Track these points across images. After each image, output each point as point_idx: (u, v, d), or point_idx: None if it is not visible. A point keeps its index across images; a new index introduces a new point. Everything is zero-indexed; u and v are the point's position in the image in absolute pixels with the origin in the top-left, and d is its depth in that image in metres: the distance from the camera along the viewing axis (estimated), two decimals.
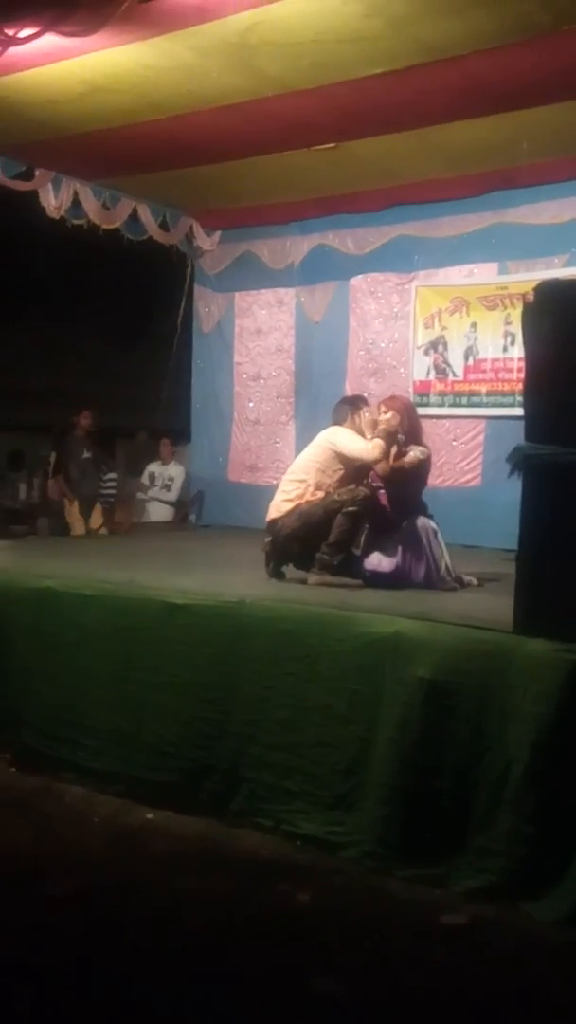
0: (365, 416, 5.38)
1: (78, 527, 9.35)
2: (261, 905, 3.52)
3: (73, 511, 9.42)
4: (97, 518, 9.65)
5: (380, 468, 5.28)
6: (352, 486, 5.20)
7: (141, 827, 4.24)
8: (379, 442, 5.22)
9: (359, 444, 5.26)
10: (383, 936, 3.34)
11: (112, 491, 9.95)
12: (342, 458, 5.29)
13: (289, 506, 5.28)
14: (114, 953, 3.15)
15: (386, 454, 5.24)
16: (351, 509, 5.12)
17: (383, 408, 5.45)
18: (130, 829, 4.21)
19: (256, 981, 3.00)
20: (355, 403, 5.57)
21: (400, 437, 5.38)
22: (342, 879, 3.75)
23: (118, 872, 3.78)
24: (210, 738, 4.38)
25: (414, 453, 5.36)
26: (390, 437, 5.29)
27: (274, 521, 5.32)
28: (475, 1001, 2.97)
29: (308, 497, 5.25)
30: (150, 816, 4.32)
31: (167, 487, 9.90)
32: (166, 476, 9.94)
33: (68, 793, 4.60)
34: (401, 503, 5.34)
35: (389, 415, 5.38)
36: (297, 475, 5.38)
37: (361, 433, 5.32)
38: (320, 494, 5.24)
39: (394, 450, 5.35)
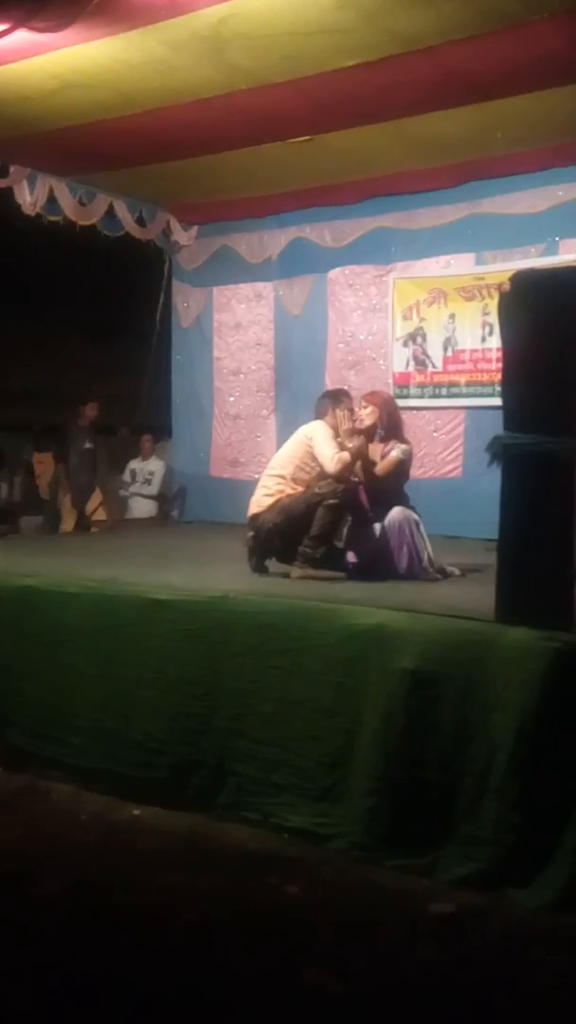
0: (343, 422, 5.34)
1: (68, 520, 9.26)
2: (250, 898, 3.53)
3: (66, 503, 9.34)
4: (94, 501, 9.55)
5: (363, 471, 5.30)
6: (330, 479, 5.20)
7: (128, 824, 4.24)
8: (345, 456, 5.18)
9: (327, 452, 5.22)
10: (372, 926, 3.35)
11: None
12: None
13: (270, 501, 5.28)
14: (103, 950, 3.15)
15: (349, 469, 5.20)
16: (332, 502, 5.12)
17: (363, 403, 5.49)
18: (117, 826, 4.21)
19: (247, 975, 3.01)
20: (337, 397, 5.57)
21: (379, 432, 5.42)
22: (330, 871, 3.76)
23: (106, 869, 3.78)
24: (196, 733, 4.39)
25: (395, 453, 5.38)
26: (359, 453, 5.27)
27: (255, 516, 5.32)
28: (465, 989, 2.99)
29: (288, 492, 5.25)
30: (137, 812, 4.32)
31: (147, 481, 9.87)
32: (146, 471, 9.91)
33: (54, 791, 4.59)
34: (382, 497, 5.36)
35: (368, 410, 5.41)
36: (276, 470, 5.38)
37: (338, 430, 5.33)
38: (300, 489, 5.24)
39: (379, 448, 5.38)
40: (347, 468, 5.20)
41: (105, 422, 9.55)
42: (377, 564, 5.20)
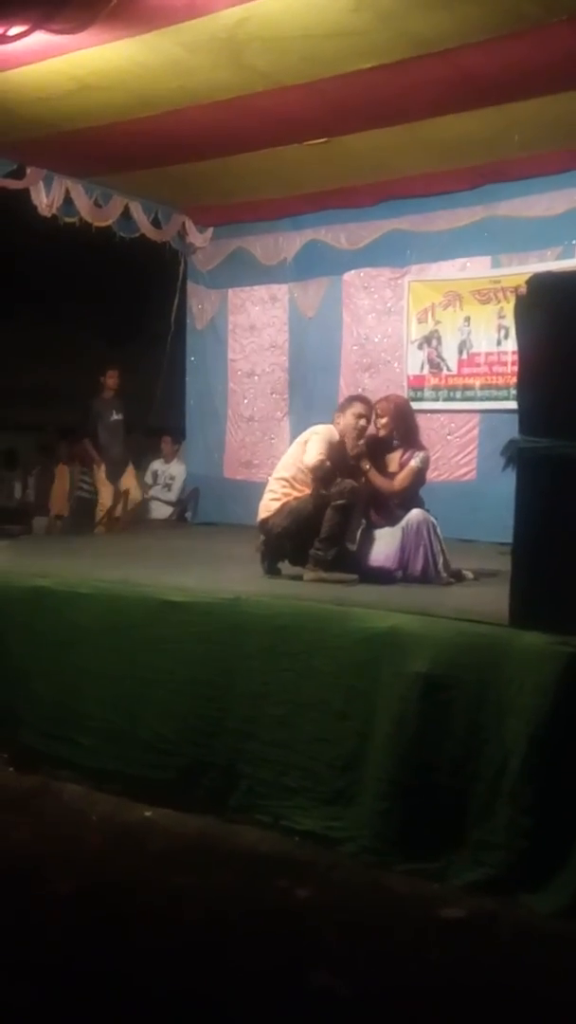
0: (350, 438, 5.34)
1: (105, 493, 9.20)
2: (260, 901, 3.52)
3: (100, 475, 9.26)
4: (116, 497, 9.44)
5: (385, 487, 5.32)
6: (339, 479, 5.18)
7: (139, 825, 4.24)
8: (325, 465, 5.17)
9: (312, 451, 5.23)
10: (382, 931, 3.34)
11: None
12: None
13: (277, 505, 5.27)
14: (113, 951, 3.15)
15: (322, 480, 5.17)
16: (340, 502, 5.10)
17: (378, 412, 5.46)
18: (128, 827, 4.21)
19: (255, 977, 3.00)
20: (348, 403, 5.57)
21: (395, 441, 5.41)
22: (341, 874, 3.75)
23: (117, 870, 3.78)
24: (207, 735, 4.38)
25: (413, 462, 5.37)
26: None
27: (265, 520, 5.30)
28: (475, 994, 2.97)
29: (294, 494, 5.24)
30: (148, 814, 4.31)
31: (168, 486, 9.88)
32: (167, 475, 9.92)
33: (66, 791, 4.59)
34: (399, 501, 5.36)
35: (383, 421, 5.41)
36: (280, 474, 5.37)
37: (344, 433, 5.33)
38: (306, 491, 5.23)
39: (397, 456, 5.38)
40: (320, 476, 5.17)
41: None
42: (396, 566, 5.19)
